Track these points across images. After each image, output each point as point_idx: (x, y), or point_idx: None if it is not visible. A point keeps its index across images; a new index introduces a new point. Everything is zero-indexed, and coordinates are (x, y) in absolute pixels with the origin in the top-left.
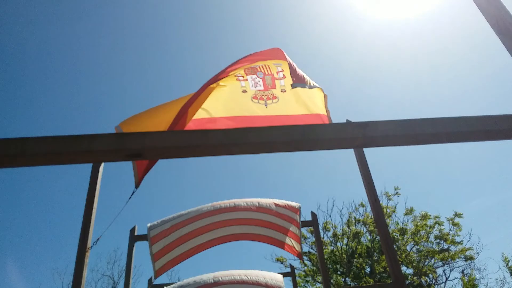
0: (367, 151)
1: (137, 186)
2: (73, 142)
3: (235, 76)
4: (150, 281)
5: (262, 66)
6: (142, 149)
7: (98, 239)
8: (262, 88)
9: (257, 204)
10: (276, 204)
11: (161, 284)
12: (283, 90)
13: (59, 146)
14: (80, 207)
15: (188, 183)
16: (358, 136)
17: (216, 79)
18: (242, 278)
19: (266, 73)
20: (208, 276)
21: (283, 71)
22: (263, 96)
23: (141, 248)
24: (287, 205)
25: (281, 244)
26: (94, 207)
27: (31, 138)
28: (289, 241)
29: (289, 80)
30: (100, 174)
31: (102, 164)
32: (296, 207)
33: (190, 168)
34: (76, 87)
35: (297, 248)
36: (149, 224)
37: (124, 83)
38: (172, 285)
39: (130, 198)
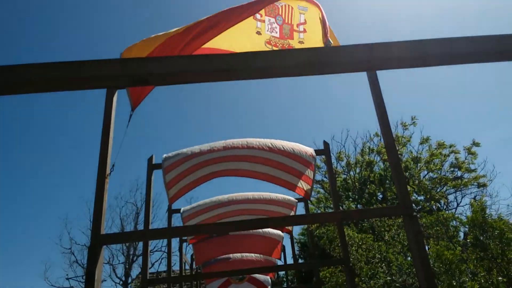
0: (383, 79)
1: (133, 109)
2: (78, 68)
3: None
4: (169, 207)
5: (285, 6)
6: (148, 74)
7: (113, 165)
8: (278, 35)
9: (270, 145)
10: (291, 147)
11: (179, 209)
12: (301, 42)
13: (64, 71)
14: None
15: (204, 119)
16: (368, 58)
17: (236, 19)
18: (255, 197)
19: (286, 21)
20: (223, 197)
21: (305, 23)
22: (277, 44)
23: (160, 177)
24: (303, 149)
25: (292, 187)
26: (111, 134)
27: (36, 64)
28: (300, 184)
29: (310, 36)
30: (114, 101)
31: (116, 92)
32: (312, 151)
33: (207, 104)
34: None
35: (306, 190)
36: (164, 155)
37: (127, 11)
38: (190, 205)
39: (129, 121)
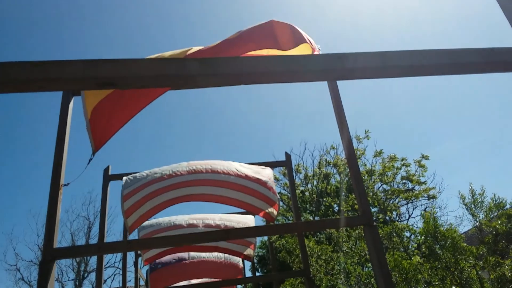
0: (341, 92)
1: (93, 152)
2: (41, 69)
3: None
4: (126, 235)
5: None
6: (114, 77)
7: (68, 183)
8: None
9: (234, 170)
10: (255, 175)
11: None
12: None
13: (26, 72)
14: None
15: (163, 129)
16: (338, 68)
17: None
18: (217, 223)
19: None
20: (183, 218)
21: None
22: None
23: (116, 188)
24: (266, 175)
25: (258, 211)
26: (66, 141)
27: None
28: (266, 208)
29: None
30: (70, 108)
31: (73, 99)
32: (270, 176)
33: (166, 113)
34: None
35: (271, 214)
36: (124, 178)
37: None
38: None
39: (88, 164)
